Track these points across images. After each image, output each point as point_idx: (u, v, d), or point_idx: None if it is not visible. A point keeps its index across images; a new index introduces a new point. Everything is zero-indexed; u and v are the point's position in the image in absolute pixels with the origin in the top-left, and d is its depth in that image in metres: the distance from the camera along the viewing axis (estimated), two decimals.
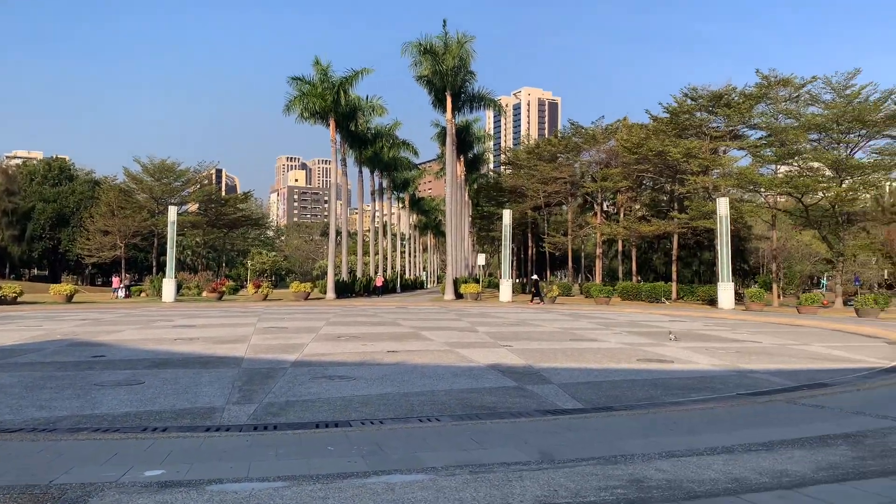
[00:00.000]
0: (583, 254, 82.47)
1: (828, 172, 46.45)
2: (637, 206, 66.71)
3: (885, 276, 76.43)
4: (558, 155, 66.03)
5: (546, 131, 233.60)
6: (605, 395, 11.03)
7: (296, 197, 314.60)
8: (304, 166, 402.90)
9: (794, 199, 47.91)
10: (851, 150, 46.34)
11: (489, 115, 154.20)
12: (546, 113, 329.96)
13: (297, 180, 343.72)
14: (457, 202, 58.69)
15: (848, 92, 45.35)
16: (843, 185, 44.66)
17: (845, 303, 44.68)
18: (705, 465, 6.45)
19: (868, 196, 52.57)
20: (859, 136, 45.51)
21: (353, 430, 8.22)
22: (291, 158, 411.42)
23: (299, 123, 60.91)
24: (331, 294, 52.48)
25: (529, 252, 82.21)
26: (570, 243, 69.02)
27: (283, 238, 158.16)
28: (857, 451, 7.06)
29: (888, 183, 57.17)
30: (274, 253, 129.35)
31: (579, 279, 79.69)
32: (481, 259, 60.55)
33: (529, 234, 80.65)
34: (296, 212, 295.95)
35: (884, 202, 55.75)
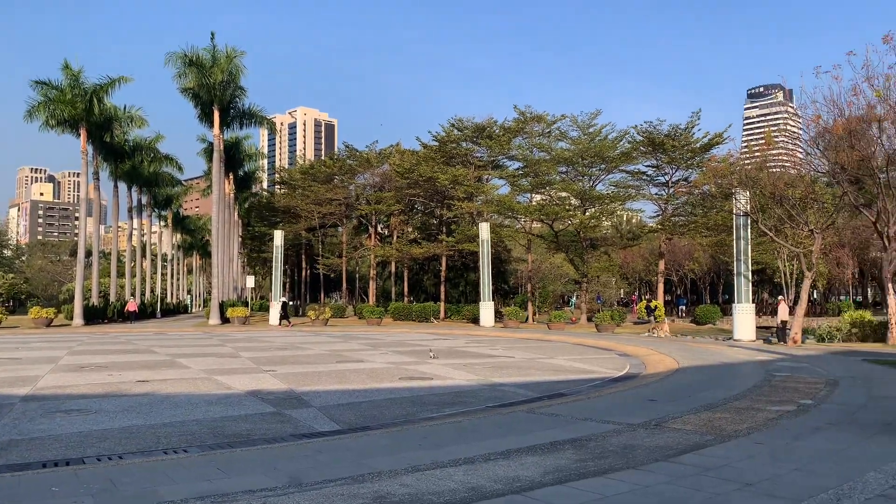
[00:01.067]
0: (357, 275, 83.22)
1: (574, 201, 51.43)
2: (409, 229, 68.79)
3: (622, 295, 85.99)
4: (334, 176, 66.23)
5: (322, 152, 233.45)
6: (363, 416, 11.17)
7: (41, 212, 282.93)
8: (51, 179, 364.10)
9: (547, 224, 52.33)
10: (594, 182, 51.81)
11: (263, 133, 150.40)
12: (323, 134, 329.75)
13: (42, 194, 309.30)
14: (225, 221, 56.42)
15: (591, 130, 50.79)
16: (587, 214, 49.70)
17: (589, 319, 49.50)
18: (447, 477, 6.76)
19: (608, 223, 58.99)
20: (600, 169, 51.05)
21: (86, 468, 7.54)
22: (36, 170, 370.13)
23: (44, 132, 54.99)
24: (78, 320, 47.74)
25: (303, 274, 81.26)
26: (345, 265, 69.34)
27: (23, 258, 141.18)
28: (580, 454, 7.82)
29: (625, 212, 64.63)
30: (12, 275, 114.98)
31: (354, 301, 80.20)
32: (251, 281, 58.57)
33: (304, 256, 79.76)
34: (41, 229, 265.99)
35: (622, 229, 62.74)
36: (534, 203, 53.02)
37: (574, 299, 72.35)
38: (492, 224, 49.64)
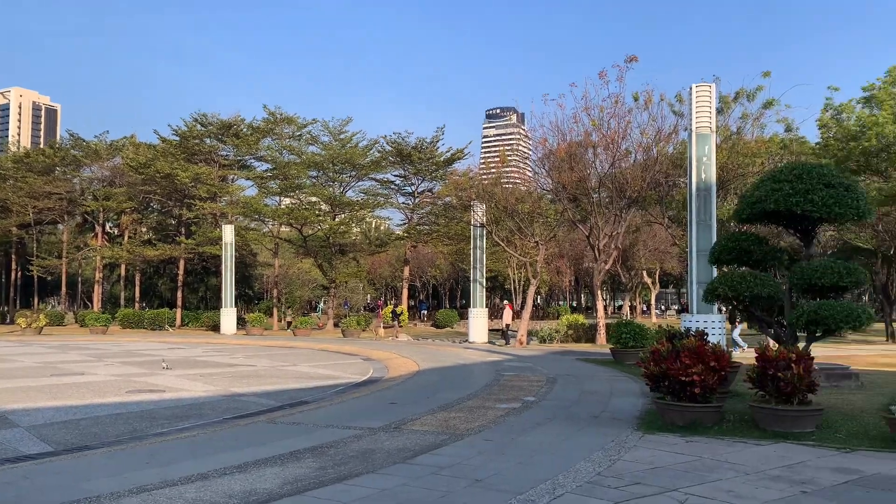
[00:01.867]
0: (80, 279, 75.24)
1: (324, 207, 51.40)
2: (144, 229, 63.81)
3: (369, 300, 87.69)
4: (54, 167, 59.23)
5: (42, 140, 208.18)
6: (83, 434, 10.06)
7: None
8: None
9: (296, 229, 51.64)
10: (344, 188, 52.23)
11: None
12: (43, 120, 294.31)
13: None
14: None
15: (342, 136, 51.16)
16: (337, 219, 49.93)
17: (336, 324, 49.71)
18: (177, 496, 6.30)
19: (358, 230, 59.84)
20: (350, 176, 51.61)
21: None
22: None
23: None
24: None
25: (13, 276, 71.58)
26: (66, 267, 62.29)
27: None
28: (320, 462, 7.74)
29: (373, 219, 66.03)
30: None
31: (76, 307, 72.34)
32: None
33: (14, 256, 70.30)
34: None
35: (370, 236, 63.97)
36: (283, 206, 52.05)
37: (322, 305, 72.25)
38: (237, 226, 47.82)
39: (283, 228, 55.18)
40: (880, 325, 33.32)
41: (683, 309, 72.13)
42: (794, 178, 9.87)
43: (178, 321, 50.41)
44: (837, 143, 25.89)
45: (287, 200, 53.55)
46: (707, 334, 10.93)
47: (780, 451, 8.36)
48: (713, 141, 15.35)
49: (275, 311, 51.95)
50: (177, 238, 54.35)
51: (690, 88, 15.16)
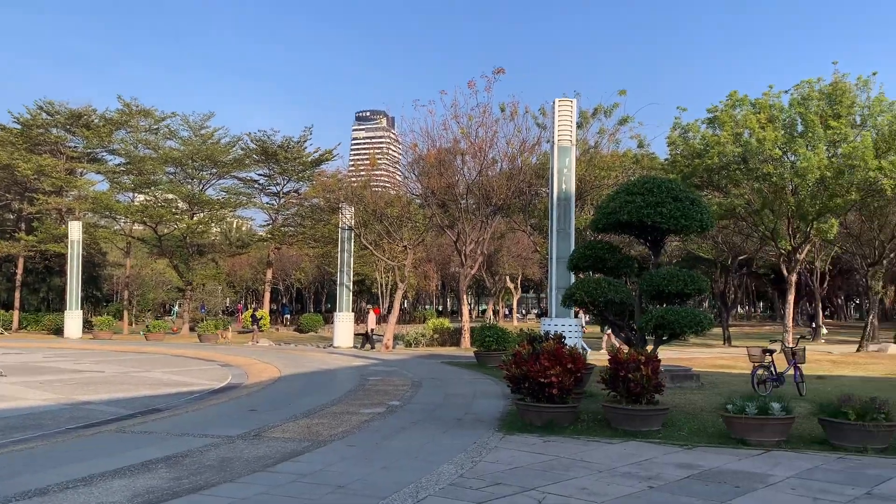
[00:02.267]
0: None
1: (182, 205, 49.07)
2: None
3: (228, 304, 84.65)
4: None
5: None
6: None
7: None
8: None
9: (150, 227, 49.01)
10: (204, 186, 50.12)
11: None
12: None
13: None
14: None
15: (203, 132, 49.07)
16: (195, 218, 47.81)
17: (192, 329, 47.58)
18: None
19: (218, 230, 57.53)
20: (211, 173, 49.59)
21: None
22: None
23: None
24: None
25: None
26: None
27: None
28: (175, 472, 7.36)
29: (235, 219, 63.80)
30: None
31: None
32: None
33: None
34: None
35: (231, 236, 61.74)
36: (136, 203, 49.20)
37: (177, 308, 68.97)
38: (85, 223, 44.71)
39: (137, 227, 52.18)
40: (718, 330, 36.12)
41: (543, 313, 74.97)
42: (645, 192, 10.50)
43: (16, 324, 46.43)
44: (684, 159, 27.83)
45: (141, 197, 50.66)
46: (565, 337, 11.41)
47: (630, 449, 8.84)
48: (573, 154, 16.08)
49: (125, 314, 49.01)
50: (16, 234, 50.04)
51: (553, 103, 15.80)
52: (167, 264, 55.70)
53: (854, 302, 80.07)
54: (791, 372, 14.75)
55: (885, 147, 24.27)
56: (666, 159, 30.47)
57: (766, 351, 14.72)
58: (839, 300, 74.27)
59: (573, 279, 16.18)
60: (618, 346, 25.24)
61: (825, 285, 48.24)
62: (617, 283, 10.48)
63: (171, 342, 35.11)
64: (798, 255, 28.81)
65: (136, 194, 50.37)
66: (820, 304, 43.68)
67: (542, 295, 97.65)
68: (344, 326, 32.30)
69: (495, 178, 30.66)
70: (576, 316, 18.43)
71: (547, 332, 14.37)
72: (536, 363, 10.06)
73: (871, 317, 31.65)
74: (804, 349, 15.41)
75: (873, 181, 23.73)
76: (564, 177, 15.43)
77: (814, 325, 38.75)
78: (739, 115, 26.34)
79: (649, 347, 10.86)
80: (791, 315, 30.04)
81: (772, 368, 14.49)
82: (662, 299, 10.48)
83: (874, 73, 26.01)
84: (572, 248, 15.78)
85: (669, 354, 23.58)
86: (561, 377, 9.94)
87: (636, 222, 10.39)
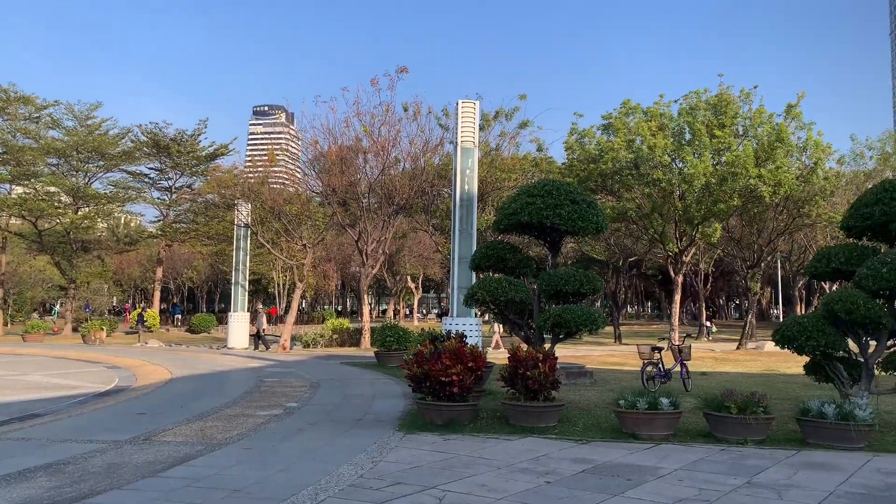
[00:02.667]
0: None
1: (65, 198, 46.35)
2: None
3: (115, 303, 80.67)
4: None
5: None
6: None
7: None
8: None
9: (29, 222, 46.07)
10: (90, 179, 47.52)
11: None
12: None
13: None
14: None
15: (90, 122, 46.51)
16: (80, 213, 45.27)
17: (76, 329, 45.02)
18: None
19: (104, 225, 54.66)
20: (98, 166, 47.06)
21: None
22: None
23: None
24: None
25: None
26: None
27: None
28: (56, 480, 6.93)
29: (123, 214, 60.78)
30: None
31: None
32: None
33: None
34: None
35: (118, 232, 58.81)
36: (14, 196, 46.04)
37: (58, 307, 65.12)
38: None
39: (14, 220, 48.89)
40: (610, 329, 37.48)
41: (444, 313, 75.48)
42: (545, 194, 10.75)
43: None
44: (580, 164, 28.74)
45: (20, 189, 47.48)
46: (466, 336, 11.52)
47: (527, 445, 9.03)
48: (476, 155, 16.27)
49: (0, 313, 45.83)
50: None
51: (457, 104, 15.93)
52: (48, 261, 52.55)
53: (734, 302, 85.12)
54: (678, 369, 15.48)
55: (765, 156, 25.90)
56: (563, 163, 31.34)
57: (654, 349, 15.36)
58: (721, 301, 78.74)
59: (475, 279, 16.37)
60: (500, 344, 25.85)
61: (708, 286, 51.02)
62: (517, 283, 10.68)
63: (52, 343, 33.11)
64: (684, 258, 30.31)
65: (13, 186, 47.14)
66: (703, 304, 46.15)
67: (444, 295, 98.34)
68: (239, 327, 31.42)
69: (398, 178, 30.62)
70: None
71: (448, 332, 14.48)
72: (438, 362, 10.10)
73: (749, 316, 33.72)
74: (690, 347, 16.20)
75: (753, 188, 25.26)
76: (467, 177, 15.59)
77: (701, 325, 40.93)
78: (632, 123, 27.46)
79: (546, 346, 11.12)
80: (677, 314, 31.57)
81: (660, 365, 15.15)
82: (560, 298, 10.75)
83: (755, 87, 27.78)
84: (474, 248, 15.95)
85: (564, 352, 24.25)
86: (462, 376, 10.03)
87: (536, 223, 10.61)
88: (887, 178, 10.45)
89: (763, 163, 25.95)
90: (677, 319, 31.24)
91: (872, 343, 10.17)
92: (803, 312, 42.70)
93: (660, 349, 15.41)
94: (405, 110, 30.61)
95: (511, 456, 8.35)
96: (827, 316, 10.05)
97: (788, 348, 10.31)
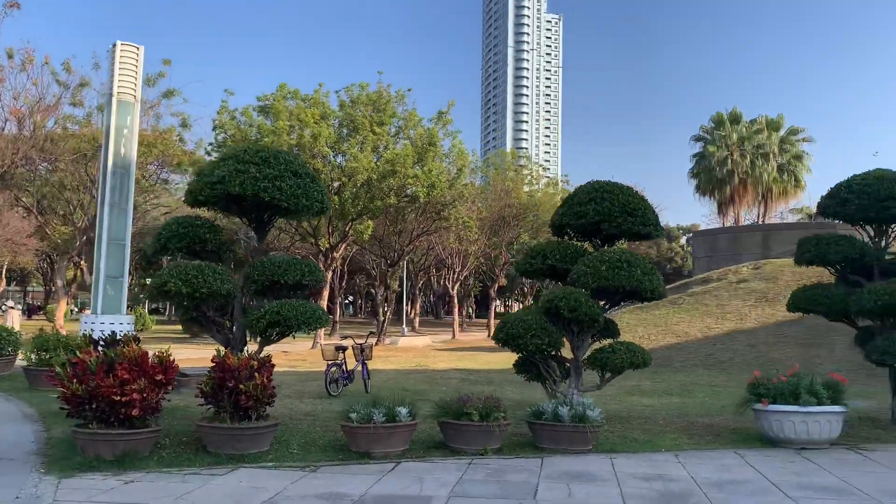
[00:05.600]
0: None
1: None
2: None
3: None
4: None
5: None
6: None
7: None
8: None
9: None
10: None
11: None
12: None
13: None
14: None
15: None
16: None
17: None
18: None
19: None
20: None
21: None
22: None
23: None
24: None
25: None
26: None
27: None
28: None
29: None
30: None
31: None
32: None
33: None
34: None
35: None
36: None
37: None
38: None
39: None
40: None
41: (34, 310, 63.91)
42: (261, 161, 8.69)
43: None
44: (235, 144, 26.15)
45: None
46: (139, 339, 8.83)
47: (245, 480, 6.98)
48: (137, 111, 13.13)
49: None
50: None
51: (115, 46, 12.61)
52: None
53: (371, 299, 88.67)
54: (360, 369, 14.47)
55: (418, 158, 26.48)
56: (211, 144, 28.39)
57: (338, 348, 14.15)
58: (358, 297, 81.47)
59: (128, 265, 13.17)
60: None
61: (343, 283, 51.74)
62: (222, 271, 8.40)
63: None
64: (335, 254, 29.70)
65: None
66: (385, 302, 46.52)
67: (30, 288, 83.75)
68: None
69: None
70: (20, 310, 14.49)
71: (91, 333, 11.26)
72: (111, 376, 7.38)
73: (388, 312, 34.58)
74: (371, 346, 15.30)
75: (412, 186, 25.64)
76: (125, 138, 12.38)
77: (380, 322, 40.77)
78: (294, 108, 25.88)
79: (250, 349, 9.03)
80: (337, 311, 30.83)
81: (343, 366, 13.98)
82: (274, 292, 8.77)
83: (409, 90, 28.32)
84: (129, 226, 12.82)
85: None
86: (147, 394, 7.46)
87: (251, 196, 8.48)
88: (595, 180, 10.63)
89: (417, 164, 26.53)
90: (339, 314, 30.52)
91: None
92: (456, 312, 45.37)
93: (344, 348, 14.23)
94: (10, 57, 24.93)
95: (231, 498, 6.27)
96: (546, 313, 9.81)
97: (511, 348, 9.85)
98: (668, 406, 12.68)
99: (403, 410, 8.21)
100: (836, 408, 8.88)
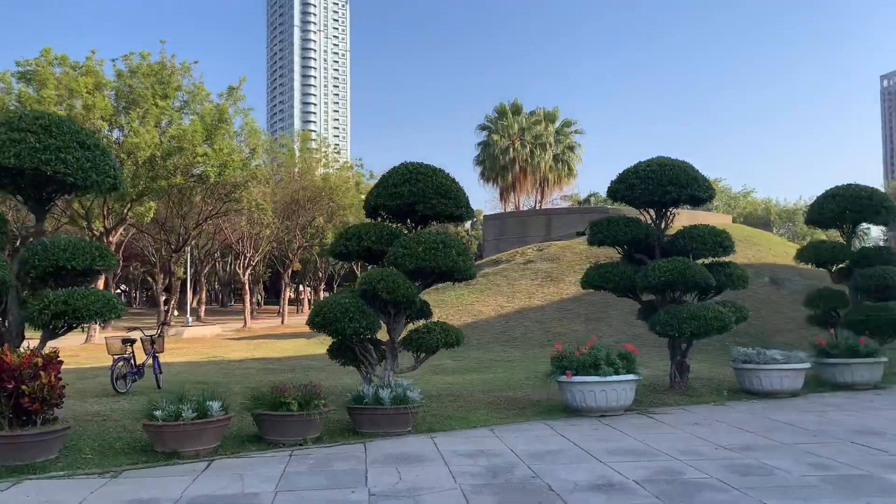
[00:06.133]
0: None
1: None
2: None
3: None
4: None
5: None
6: None
7: None
8: None
9: None
10: None
11: None
12: None
13: None
14: None
15: None
16: None
17: None
18: None
19: None
20: None
21: None
22: None
23: None
24: None
25: None
26: None
27: None
28: None
29: None
30: None
31: None
32: None
33: None
34: None
35: None
36: None
37: None
38: None
39: None
40: None
41: None
42: (41, 130, 7.53)
43: None
44: None
45: None
46: None
47: (35, 495, 6.12)
48: None
49: None
50: None
51: None
52: None
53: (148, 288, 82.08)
54: (150, 363, 13.35)
55: (208, 135, 24.87)
56: None
57: (126, 341, 12.94)
58: (132, 285, 75.13)
59: None
60: None
61: (118, 270, 47.46)
62: None
63: None
64: (111, 238, 27.08)
65: None
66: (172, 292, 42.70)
67: None
68: None
69: None
70: None
71: None
72: None
73: (173, 301, 32.33)
74: (163, 338, 14.17)
75: (202, 165, 24.03)
76: None
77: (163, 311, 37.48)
78: (60, 75, 23.08)
79: (28, 345, 7.88)
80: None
81: (132, 360, 12.83)
82: (58, 279, 7.68)
83: (196, 62, 26.44)
84: None
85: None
86: None
87: (30, 169, 7.33)
88: (409, 161, 10.59)
89: (206, 142, 24.93)
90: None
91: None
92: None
93: (133, 341, 13.02)
94: None
95: None
96: (363, 296, 9.63)
97: (327, 332, 9.53)
98: (472, 383, 13.10)
99: (215, 405, 7.63)
100: (631, 376, 9.67)
